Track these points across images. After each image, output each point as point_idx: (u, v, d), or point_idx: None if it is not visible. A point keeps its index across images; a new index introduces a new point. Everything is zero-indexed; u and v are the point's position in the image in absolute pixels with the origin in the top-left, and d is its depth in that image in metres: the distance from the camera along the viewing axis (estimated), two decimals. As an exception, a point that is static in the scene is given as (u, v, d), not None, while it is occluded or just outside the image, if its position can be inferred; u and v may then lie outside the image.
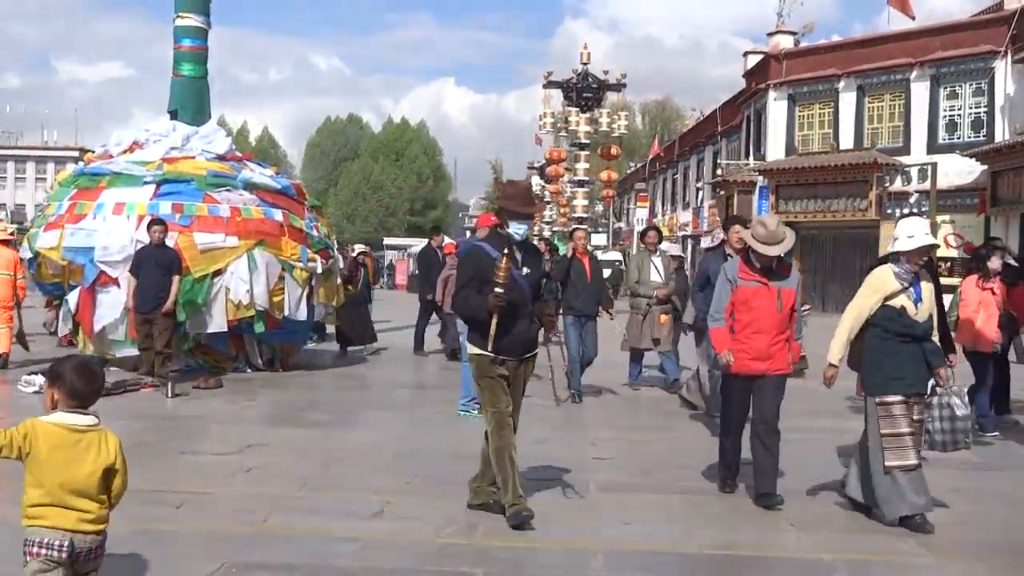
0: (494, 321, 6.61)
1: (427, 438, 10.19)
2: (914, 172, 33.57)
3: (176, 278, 13.04)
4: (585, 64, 35.01)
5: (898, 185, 33.81)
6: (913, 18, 36.04)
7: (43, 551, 4.24)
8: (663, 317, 13.41)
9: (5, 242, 15.04)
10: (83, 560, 4.36)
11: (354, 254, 19.55)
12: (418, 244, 46.81)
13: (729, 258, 9.46)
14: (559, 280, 12.68)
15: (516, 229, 6.97)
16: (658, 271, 13.59)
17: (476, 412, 11.15)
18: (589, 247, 14.68)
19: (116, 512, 6.95)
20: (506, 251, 6.72)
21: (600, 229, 66.80)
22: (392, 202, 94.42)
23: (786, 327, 7.57)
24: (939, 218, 32.30)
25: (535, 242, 21.70)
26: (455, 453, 9.29)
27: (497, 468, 6.83)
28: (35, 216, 16.67)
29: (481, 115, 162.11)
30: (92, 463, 4.34)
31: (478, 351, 6.86)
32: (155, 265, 13.00)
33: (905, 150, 34.37)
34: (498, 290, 6.53)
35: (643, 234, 14.75)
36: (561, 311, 12.33)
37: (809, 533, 6.70)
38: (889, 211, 33.48)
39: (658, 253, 13.90)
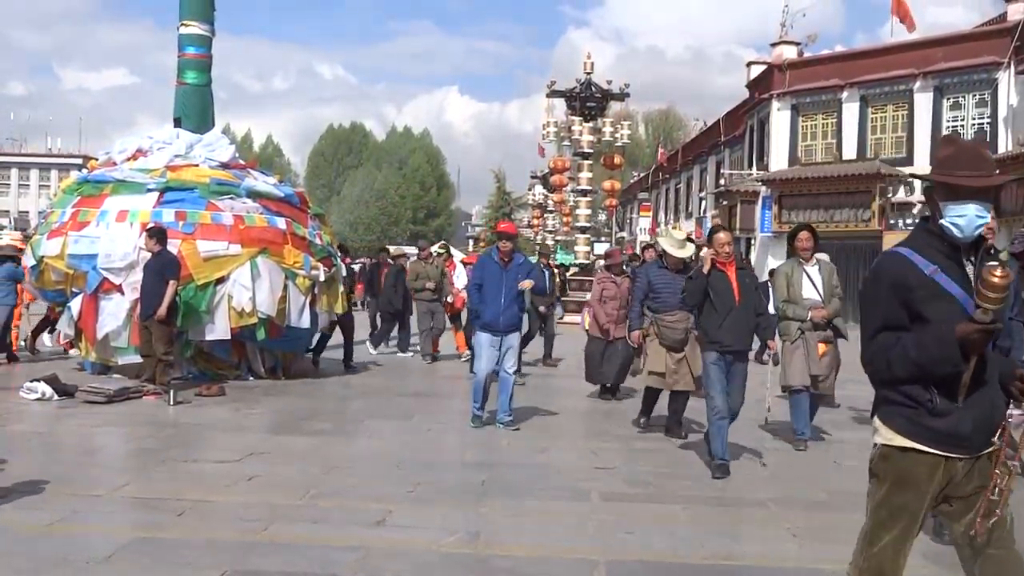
0: (970, 367, 3.83)
1: (429, 446, 10.19)
2: (917, 183, 33.57)
3: (171, 283, 12.96)
4: (588, 73, 35.00)
5: (901, 196, 33.86)
6: (912, 30, 36.17)
7: None
8: (822, 347, 10.35)
9: (17, 250, 16.24)
10: None
11: None
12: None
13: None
14: (694, 304, 9.39)
15: (955, 217, 3.99)
16: (815, 286, 10.46)
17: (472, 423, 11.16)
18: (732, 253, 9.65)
19: (119, 519, 6.98)
20: (994, 258, 4.07)
21: (603, 239, 66.87)
22: (395, 210, 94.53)
23: None
24: (942, 229, 32.30)
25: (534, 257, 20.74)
26: (458, 462, 9.31)
27: None
28: (38, 223, 16.73)
29: (484, 124, 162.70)
30: None
31: (905, 441, 4.03)
32: (149, 272, 12.97)
33: (908, 161, 34.37)
34: (983, 312, 3.72)
35: (792, 236, 10.89)
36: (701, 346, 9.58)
37: (811, 543, 6.69)
38: (892, 222, 33.53)
39: (814, 262, 10.64)
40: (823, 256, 11.32)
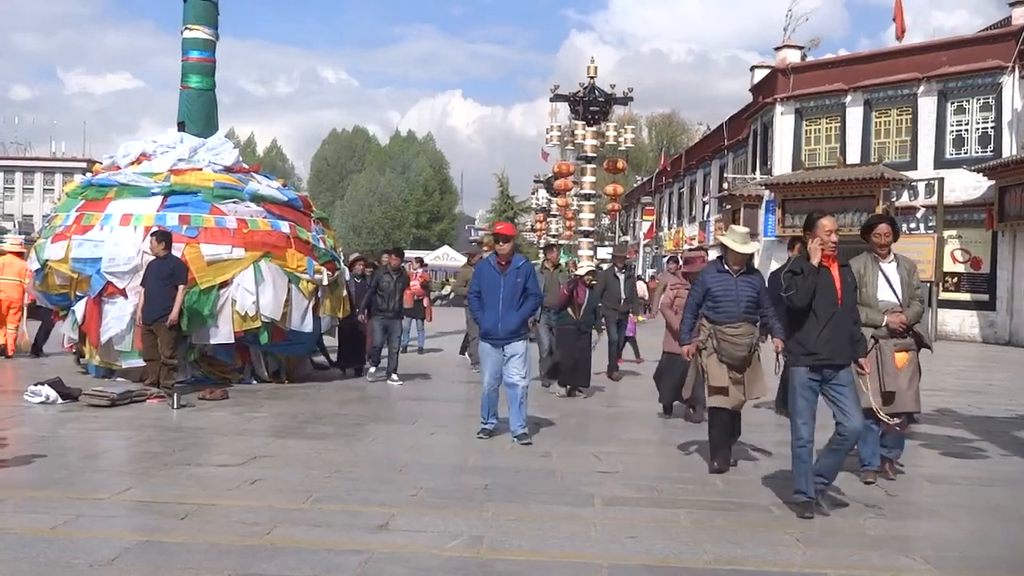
0: None
1: (432, 451, 10.18)
2: (921, 187, 33.62)
3: (180, 288, 13.00)
4: (592, 78, 34.90)
5: (905, 200, 33.85)
6: (901, 37, 36.28)
7: None
8: (900, 357, 8.85)
9: (18, 253, 16.80)
10: None
11: (581, 272, 15.08)
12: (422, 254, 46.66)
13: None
14: (803, 305, 7.60)
15: None
16: (892, 287, 8.92)
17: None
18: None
19: (122, 522, 6.98)
20: None
21: (606, 243, 66.89)
22: (398, 214, 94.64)
23: None
24: (946, 233, 32.31)
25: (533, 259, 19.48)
26: (460, 466, 9.29)
27: None
28: (42, 227, 16.87)
29: (487, 128, 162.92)
30: None
31: None
32: (156, 276, 13.00)
33: (912, 165, 34.38)
34: None
35: (868, 229, 9.21)
36: (787, 361, 7.91)
37: (814, 548, 6.67)
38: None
39: (892, 259, 9.06)
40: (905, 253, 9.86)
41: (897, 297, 8.85)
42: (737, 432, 9.63)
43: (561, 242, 51.11)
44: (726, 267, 9.21)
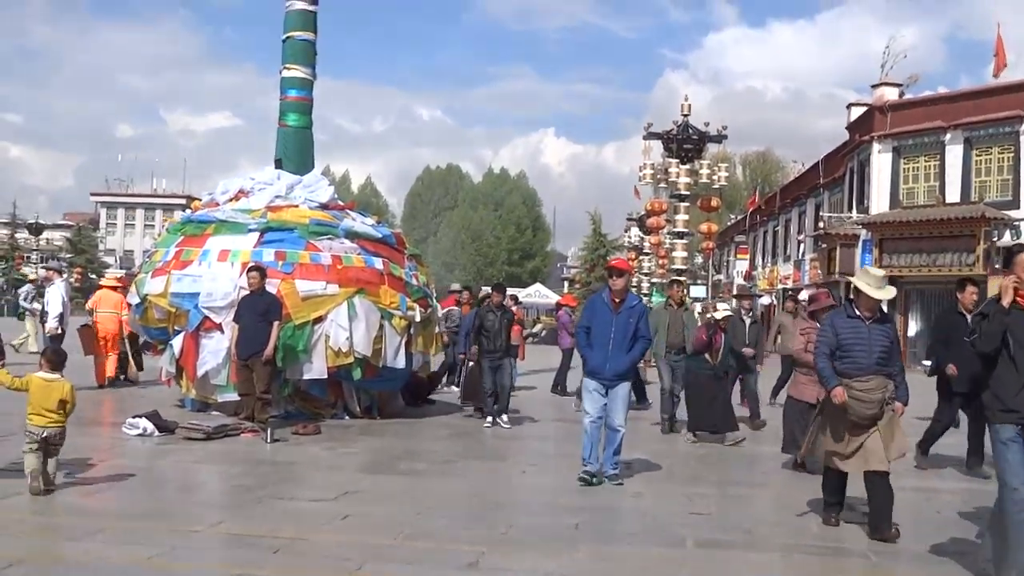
0: None
1: (523, 489, 10.14)
2: (1024, 226, 32.89)
3: (275, 324, 13.15)
4: (685, 115, 34.86)
5: (1007, 239, 33.07)
6: (999, 73, 35.65)
7: (29, 435, 8.45)
8: None
9: (113, 287, 17.51)
10: (51, 440, 8.53)
11: (718, 315, 14.20)
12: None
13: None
14: (988, 351, 6.71)
15: None
16: None
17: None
18: None
19: (215, 555, 7.04)
20: None
21: (699, 281, 66.51)
22: (491, 251, 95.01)
23: None
24: (1050, 274, 31.52)
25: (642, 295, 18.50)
26: (551, 504, 9.23)
27: None
28: (143, 262, 17.24)
29: (580, 166, 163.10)
30: (56, 395, 8.54)
31: None
32: (251, 312, 13.17)
33: (1014, 204, 33.64)
34: None
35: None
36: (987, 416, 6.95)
37: (915, 597, 6.49)
38: (997, 266, 32.78)
39: None
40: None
41: None
42: (888, 496, 8.11)
43: (654, 280, 50.94)
44: (857, 312, 8.25)
